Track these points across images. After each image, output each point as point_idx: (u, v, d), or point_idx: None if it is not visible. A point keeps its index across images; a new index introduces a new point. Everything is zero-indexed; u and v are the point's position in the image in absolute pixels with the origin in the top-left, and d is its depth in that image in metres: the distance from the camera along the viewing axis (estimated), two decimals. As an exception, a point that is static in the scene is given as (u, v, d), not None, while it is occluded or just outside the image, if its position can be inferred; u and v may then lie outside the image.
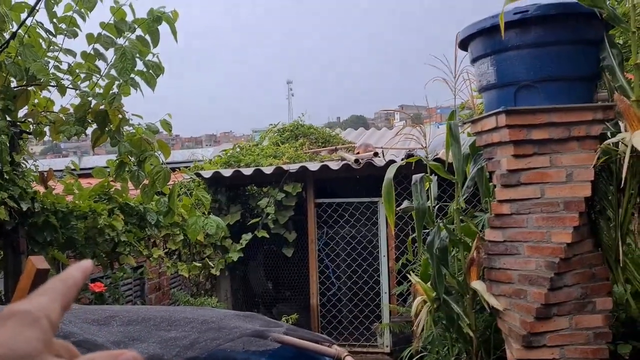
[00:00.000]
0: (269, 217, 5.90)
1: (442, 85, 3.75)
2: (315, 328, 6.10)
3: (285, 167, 5.95)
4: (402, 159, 4.93)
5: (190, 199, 5.63)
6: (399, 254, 5.67)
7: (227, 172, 5.92)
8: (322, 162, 6.40)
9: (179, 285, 6.76)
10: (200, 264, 5.23)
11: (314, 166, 5.86)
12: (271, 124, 10.54)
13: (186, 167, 7.16)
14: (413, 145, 6.18)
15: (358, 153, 6.42)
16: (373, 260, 6.03)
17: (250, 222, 5.97)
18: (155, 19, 3.65)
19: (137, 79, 3.65)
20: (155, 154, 3.78)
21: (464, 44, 3.35)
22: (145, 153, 3.63)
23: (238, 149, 7.69)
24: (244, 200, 6.31)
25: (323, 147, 8.67)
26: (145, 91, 3.71)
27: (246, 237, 5.83)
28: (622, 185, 2.81)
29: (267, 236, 5.94)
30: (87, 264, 0.49)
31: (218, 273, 5.79)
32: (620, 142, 2.80)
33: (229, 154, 7.32)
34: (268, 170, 5.87)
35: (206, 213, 4.98)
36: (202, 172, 6.02)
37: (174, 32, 3.68)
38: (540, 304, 2.90)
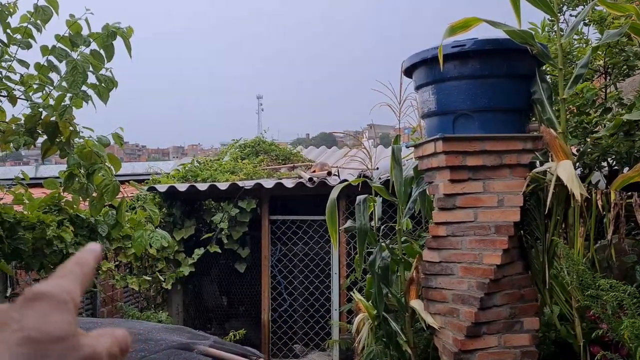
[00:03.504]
0: (223, 233, 5.94)
1: (407, 106, 3.89)
2: (265, 343, 6.13)
3: (240, 183, 6.00)
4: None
5: (145, 212, 5.64)
6: (350, 272, 5.78)
7: (182, 187, 5.94)
8: (279, 179, 6.48)
9: (131, 299, 6.70)
10: (150, 278, 5.22)
11: (268, 183, 5.94)
12: (233, 140, 10.57)
13: (146, 179, 7.14)
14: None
15: (314, 172, 6.53)
16: (325, 278, 6.12)
17: (203, 237, 5.99)
18: (110, 34, 3.70)
19: (90, 91, 3.70)
20: (106, 166, 3.81)
21: (408, 72, 3.51)
22: (94, 165, 3.66)
23: (197, 163, 7.71)
24: (199, 215, 6.33)
25: (283, 164, 8.75)
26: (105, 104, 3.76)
27: (198, 251, 5.85)
28: (548, 212, 2.99)
29: (219, 251, 5.97)
30: (96, 247, 0.48)
31: (169, 287, 5.78)
32: (547, 171, 2.98)
33: (186, 168, 7.33)
34: (223, 186, 5.91)
35: (156, 227, 5.00)
36: (157, 186, 6.02)
37: (129, 48, 3.74)
38: (470, 323, 3.03)
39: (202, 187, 5.94)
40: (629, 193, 2.80)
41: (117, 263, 5.35)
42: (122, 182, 6.16)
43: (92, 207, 3.74)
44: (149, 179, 7.12)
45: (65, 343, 0.37)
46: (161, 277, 5.52)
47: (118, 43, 3.76)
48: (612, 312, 2.23)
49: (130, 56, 3.78)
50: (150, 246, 4.51)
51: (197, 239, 6.15)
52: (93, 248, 0.48)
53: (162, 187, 6.00)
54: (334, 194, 3.54)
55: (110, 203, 4.37)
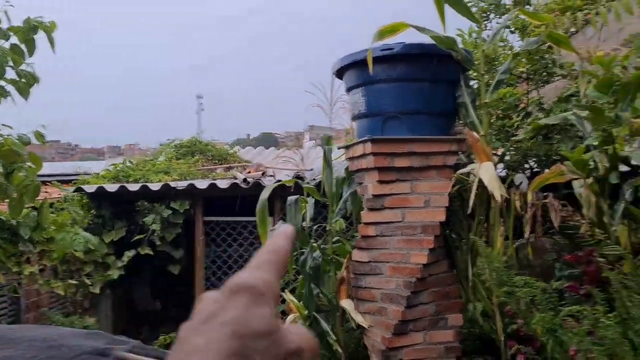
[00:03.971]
0: (155, 234, 5.80)
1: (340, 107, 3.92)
2: (198, 347, 6.02)
3: (172, 184, 5.88)
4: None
5: (71, 214, 5.42)
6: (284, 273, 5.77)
7: (111, 188, 5.76)
8: (214, 180, 6.40)
9: (57, 305, 6.42)
10: (76, 282, 5.03)
11: (202, 184, 5.85)
12: (169, 139, 10.37)
13: (76, 179, 6.86)
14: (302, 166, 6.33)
15: (249, 172, 6.49)
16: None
17: (134, 239, 5.83)
18: (32, 28, 3.55)
19: (10, 87, 3.53)
20: (27, 165, 3.64)
21: (339, 74, 3.55)
22: (14, 165, 3.49)
23: (129, 163, 7.49)
24: (131, 216, 6.15)
25: (219, 164, 8.65)
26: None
27: (129, 254, 5.68)
28: (471, 212, 3.09)
29: (151, 253, 5.82)
30: (289, 229, 0.44)
31: (98, 291, 5.58)
32: (470, 173, 3.09)
33: (118, 168, 7.12)
34: (155, 186, 5.77)
35: (84, 229, 4.83)
36: (85, 187, 5.81)
37: (52, 42, 3.59)
38: (398, 321, 3.10)
39: (133, 187, 5.78)
40: (545, 194, 2.94)
41: (41, 267, 5.11)
42: (48, 183, 5.91)
43: (10, 208, 3.56)
44: (78, 179, 6.86)
45: (269, 338, 0.36)
46: (88, 281, 5.33)
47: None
48: (525, 307, 2.34)
49: (54, 50, 3.63)
50: (76, 250, 4.35)
51: (128, 241, 5.98)
52: (285, 230, 0.44)
53: (90, 188, 5.79)
54: (264, 195, 3.53)
55: (32, 204, 4.18)
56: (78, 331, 2.04)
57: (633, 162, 2.92)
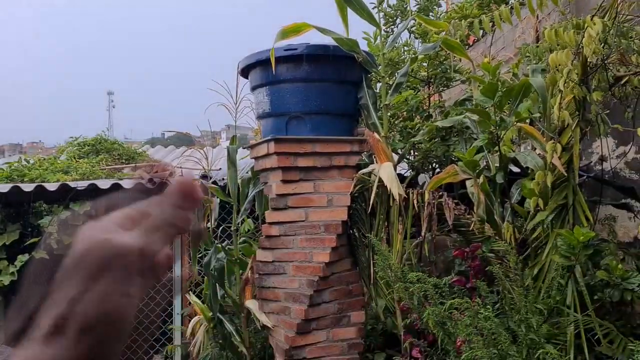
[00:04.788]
0: (52, 237, 5.47)
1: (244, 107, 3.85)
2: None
3: (72, 184, 5.58)
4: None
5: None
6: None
7: (3, 188, 5.37)
8: (119, 180, 6.15)
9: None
10: (-39, 290, 4.64)
11: (105, 184, 5.60)
12: (72, 137, 9.86)
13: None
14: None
15: (156, 172, 6.29)
16: (167, 281, 5.92)
17: (28, 242, 5.48)
18: None
19: None
20: None
21: (244, 73, 3.52)
22: None
23: (25, 162, 7.04)
24: (25, 218, 5.78)
25: (127, 164, 8.32)
26: None
27: (22, 258, 5.33)
28: (372, 211, 3.17)
29: (47, 257, 5.49)
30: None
31: (-14, 299, 5.20)
32: (371, 172, 3.16)
33: (12, 167, 6.66)
34: (52, 186, 5.44)
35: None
36: (-28, 187, 5.38)
37: None
38: (301, 320, 3.11)
39: (28, 187, 5.42)
40: (441, 193, 3.07)
41: None
42: None
43: None
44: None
45: (98, 246, 0.47)
46: (-25, 288, 4.95)
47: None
48: (418, 302, 2.43)
49: None
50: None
51: (22, 244, 5.60)
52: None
53: (-22, 188, 5.37)
54: (166, 195, 3.42)
55: None
56: None
57: (524, 164, 3.11)
